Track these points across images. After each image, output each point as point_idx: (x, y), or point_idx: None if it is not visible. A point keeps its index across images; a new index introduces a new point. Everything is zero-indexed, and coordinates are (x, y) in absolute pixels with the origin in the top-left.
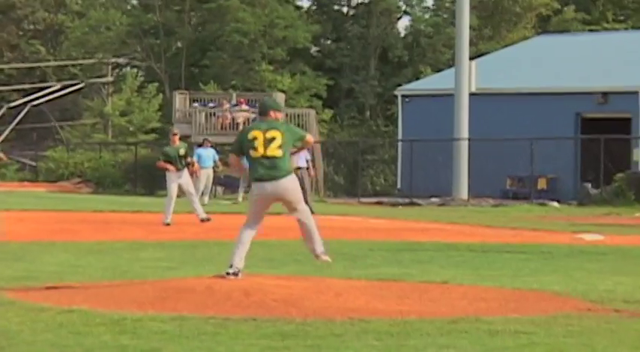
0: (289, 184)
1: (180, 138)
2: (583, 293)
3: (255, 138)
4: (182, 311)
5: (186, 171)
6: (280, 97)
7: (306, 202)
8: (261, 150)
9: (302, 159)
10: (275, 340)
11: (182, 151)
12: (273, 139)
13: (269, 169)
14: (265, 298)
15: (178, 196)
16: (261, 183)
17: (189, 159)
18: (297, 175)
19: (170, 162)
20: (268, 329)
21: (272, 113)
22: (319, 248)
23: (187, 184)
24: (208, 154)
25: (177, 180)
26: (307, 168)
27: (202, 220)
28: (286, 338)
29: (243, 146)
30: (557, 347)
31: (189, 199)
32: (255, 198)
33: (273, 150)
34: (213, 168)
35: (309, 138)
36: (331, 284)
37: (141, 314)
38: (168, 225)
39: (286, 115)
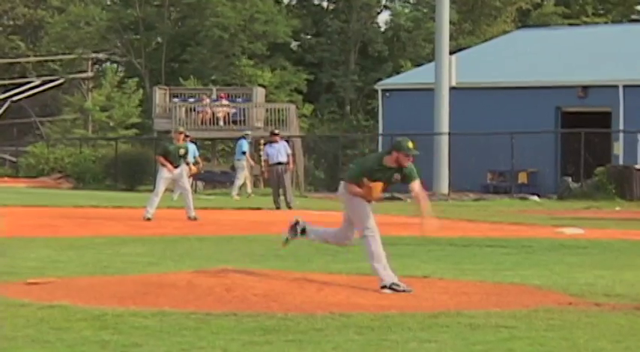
0: None
1: (184, 139)
2: (564, 287)
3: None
4: (163, 307)
5: (182, 168)
6: (260, 92)
7: (286, 197)
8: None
9: (282, 154)
10: (256, 335)
11: (182, 151)
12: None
13: None
14: (246, 293)
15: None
16: None
17: (191, 159)
18: (277, 171)
19: (168, 160)
20: (250, 324)
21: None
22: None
23: (183, 180)
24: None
25: (170, 177)
26: (287, 163)
27: (190, 218)
28: (268, 333)
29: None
30: (538, 341)
31: (183, 195)
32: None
33: None
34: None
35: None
36: (312, 278)
37: (122, 309)
38: (149, 220)
39: (266, 110)
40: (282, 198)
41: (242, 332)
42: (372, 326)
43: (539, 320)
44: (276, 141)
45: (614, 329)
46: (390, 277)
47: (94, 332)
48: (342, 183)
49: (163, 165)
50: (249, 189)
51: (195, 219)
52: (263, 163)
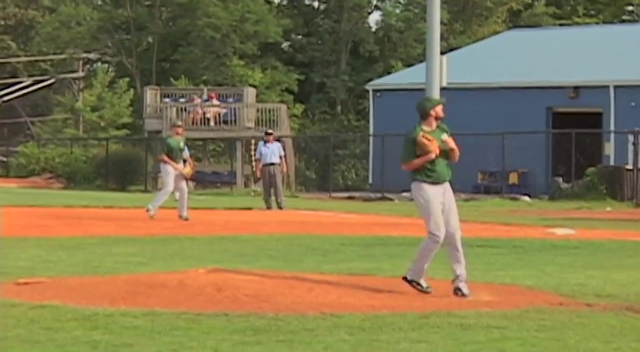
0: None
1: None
2: (555, 287)
3: None
4: (154, 307)
5: (182, 166)
6: (251, 92)
7: (277, 198)
8: None
9: (276, 154)
10: (247, 335)
11: (182, 144)
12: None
13: None
14: (237, 293)
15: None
16: None
17: (186, 156)
18: (269, 172)
19: (171, 156)
20: (240, 324)
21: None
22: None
23: (182, 179)
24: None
25: (176, 173)
26: (279, 165)
27: (181, 217)
28: (258, 333)
29: None
30: (529, 342)
31: (180, 194)
32: None
33: None
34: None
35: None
36: (303, 279)
37: (113, 309)
38: (152, 217)
39: (257, 110)
40: (273, 198)
41: (233, 333)
42: (363, 327)
43: (530, 321)
44: (270, 141)
45: (605, 330)
46: (417, 275)
47: (84, 332)
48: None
49: (166, 163)
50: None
51: (186, 219)
52: (255, 163)
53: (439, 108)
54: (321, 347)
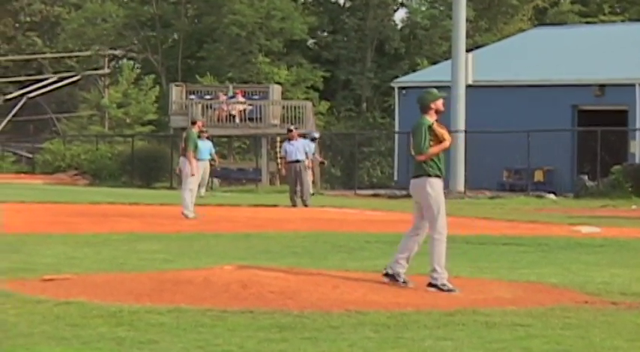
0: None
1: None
2: (580, 285)
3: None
4: (179, 304)
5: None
6: (277, 90)
7: (303, 195)
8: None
9: (301, 151)
10: (272, 332)
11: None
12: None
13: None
14: (262, 290)
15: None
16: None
17: (208, 156)
18: (295, 169)
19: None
20: (265, 321)
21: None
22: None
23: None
24: (205, 147)
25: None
26: (313, 161)
27: (184, 214)
28: (283, 330)
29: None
30: (554, 340)
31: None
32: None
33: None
34: (210, 161)
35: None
36: (328, 276)
37: (138, 306)
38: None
39: (282, 108)
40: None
41: (258, 330)
42: (388, 324)
43: (555, 319)
44: (293, 138)
45: (630, 328)
46: (442, 278)
47: (109, 328)
48: (415, 181)
49: (190, 163)
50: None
51: (187, 217)
52: (280, 160)
53: (440, 102)
54: (346, 344)
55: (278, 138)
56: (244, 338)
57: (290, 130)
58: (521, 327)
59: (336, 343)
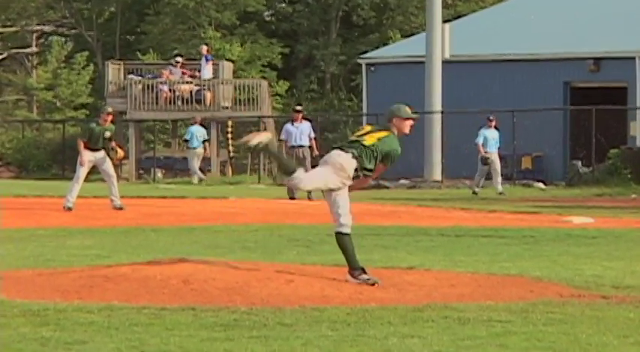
0: None
1: (113, 121)
2: (567, 279)
3: None
4: (112, 301)
5: (103, 151)
6: (228, 67)
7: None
8: None
9: (305, 135)
10: (216, 331)
11: (108, 134)
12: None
13: None
14: (206, 286)
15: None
16: None
17: (113, 144)
18: (297, 155)
19: (89, 141)
20: (209, 319)
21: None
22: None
23: (106, 165)
24: (200, 133)
25: (93, 160)
26: (310, 147)
27: (115, 207)
28: (229, 329)
29: None
30: (535, 336)
31: (108, 181)
32: None
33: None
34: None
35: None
36: (281, 270)
37: (65, 304)
38: (70, 209)
39: (234, 88)
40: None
41: (200, 328)
42: (347, 321)
43: (537, 314)
44: (298, 120)
45: (621, 323)
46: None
47: (33, 328)
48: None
49: (80, 152)
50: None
51: (120, 208)
52: (282, 144)
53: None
54: (299, 343)
55: (229, 122)
56: (184, 338)
57: (297, 111)
58: (499, 323)
59: (288, 342)
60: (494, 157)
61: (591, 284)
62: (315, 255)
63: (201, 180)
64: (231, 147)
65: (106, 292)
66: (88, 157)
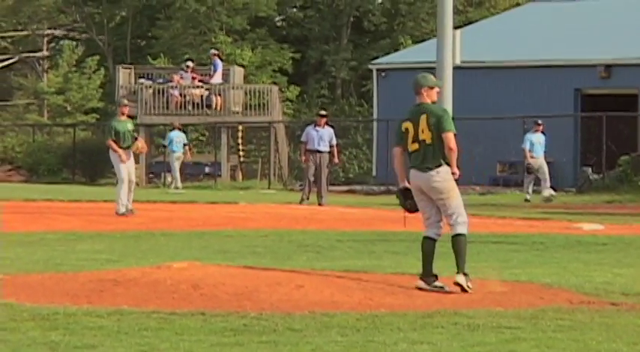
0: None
1: (130, 115)
2: (577, 285)
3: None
4: (121, 305)
5: (132, 154)
6: (238, 72)
7: (320, 192)
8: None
9: (325, 142)
10: (226, 336)
11: (130, 126)
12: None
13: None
14: (216, 291)
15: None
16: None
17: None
18: (315, 160)
19: (117, 139)
20: (218, 324)
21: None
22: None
23: (133, 169)
24: (179, 137)
25: (127, 160)
26: (330, 153)
27: (125, 213)
28: (238, 334)
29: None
30: (544, 343)
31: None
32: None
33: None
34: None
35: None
36: (291, 276)
37: (74, 308)
38: (124, 214)
39: (245, 93)
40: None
41: (210, 333)
42: (357, 327)
43: (547, 321)
44: (321, 125)
45: (631, 330)
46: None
47: (42, 332)
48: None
49: (115, 151)
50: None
51: (132, 212)
52: (301, 146)
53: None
54: (308, 348)
55: (240, 127)
56: (194, 343)
57: (322, 115)
58: (508, 330)
59: (297, 347)
60: (541, 161)
61: (601, 291)
62: (325, 260)
63: (177, 187)
64: (241, 152)
65: (115, 296)
66: (124, 155)
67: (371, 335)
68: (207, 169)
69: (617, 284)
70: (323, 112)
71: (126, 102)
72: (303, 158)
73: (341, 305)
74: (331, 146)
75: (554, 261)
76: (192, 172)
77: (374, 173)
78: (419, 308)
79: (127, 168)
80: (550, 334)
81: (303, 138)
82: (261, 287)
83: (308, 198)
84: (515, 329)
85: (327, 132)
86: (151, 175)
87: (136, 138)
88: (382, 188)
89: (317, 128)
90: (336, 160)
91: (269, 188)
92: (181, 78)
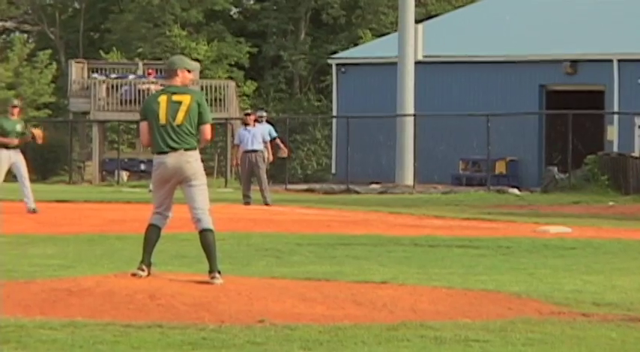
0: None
1: (20, 114)
2: (546, 294)
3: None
4: (75, 317)
5: (19, 151)
6: (195, 67)
7: (262, 192)
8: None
9: (258, 140)
10: (184, 349)
11: (19, 127)
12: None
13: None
14: (174, 301)
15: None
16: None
17: (29, 132)
18: (250, 160)
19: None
20: (176, 336)
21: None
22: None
23: (20, 164)
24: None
25: (9, 159)
26: (262, 151)
27: (29, 210)
28: (197, 348)
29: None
30: None
31: (21, 183)
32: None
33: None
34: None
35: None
36: (251, 285)
37: (26, 320)
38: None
39: (201, 88)
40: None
41: (167, 347)
42: (320, 340)
43: (516, 333)
44: (250, 124)
45: (603, 344)
46: None
47: None
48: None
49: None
50: None
51: (34, 211)
52: (232, 150)
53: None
54: None
55: None
56: None
57: (247, 114)
58: (476, 343)
59: None
60: None
61: (571, 301)
62: (285, 266)
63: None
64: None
65: (69, 307)
66: (4, 156)
67: (334, 349)
68: (142, 166)
69: (587, 293)
70: (249, 111)
71: (16, 102)
72: (234, 161)
73: (303, 317)
74: (264, 142)
75: (522, 267)
76: (147, 169)
77: (333, 170)
78: (383, 320)
79: (4, 168)
80: (520, 347)
81: (235, 141)
82: (220, 298)
83: (250, 197)
84: (483, 342)
85: (260, 130)
86: (104, 173)
87: (32, 136)
88: (342, 187)
89: (248, 128)
90: (284, 152)
91: (226, 186)
92: (134, 73)
